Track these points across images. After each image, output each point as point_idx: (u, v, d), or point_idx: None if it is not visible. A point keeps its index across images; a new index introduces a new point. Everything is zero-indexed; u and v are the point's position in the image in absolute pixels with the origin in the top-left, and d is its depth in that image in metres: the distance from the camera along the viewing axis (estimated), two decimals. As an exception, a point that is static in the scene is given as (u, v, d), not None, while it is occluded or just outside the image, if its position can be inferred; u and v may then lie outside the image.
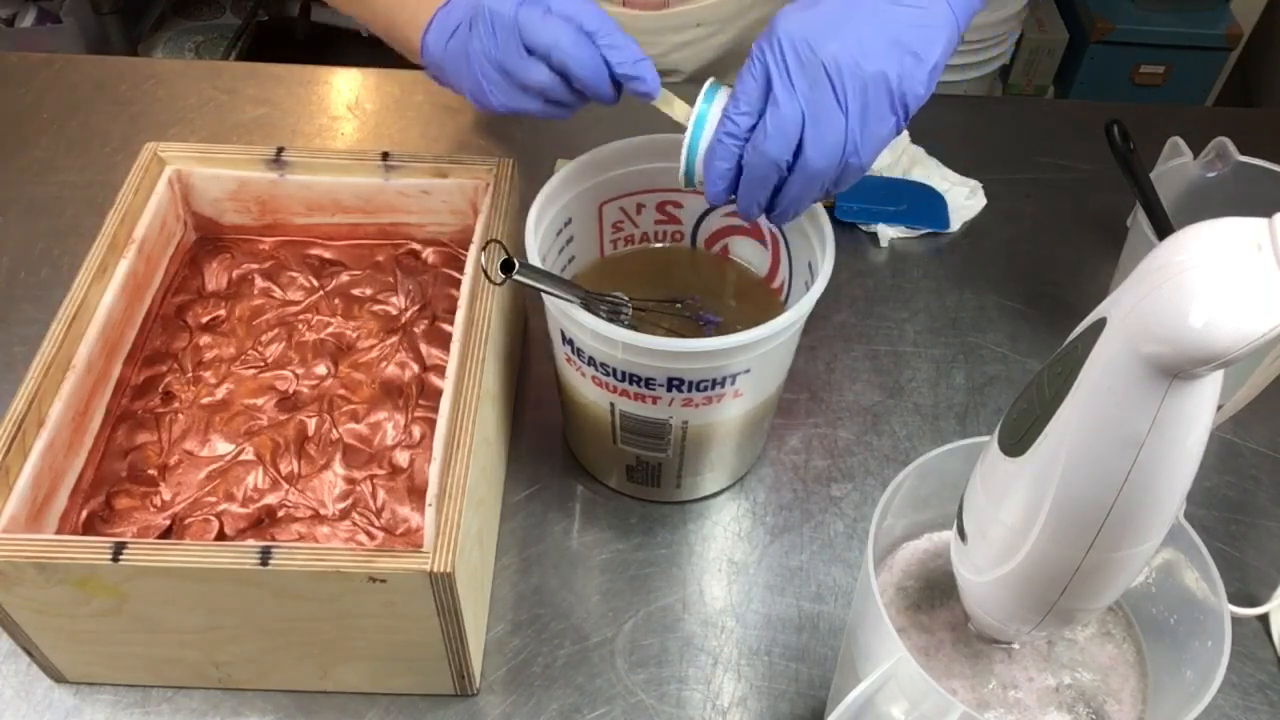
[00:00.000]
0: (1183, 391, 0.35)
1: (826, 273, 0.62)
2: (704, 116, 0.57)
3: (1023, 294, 0.87)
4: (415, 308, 0.74)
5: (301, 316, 0.74)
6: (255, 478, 0.65)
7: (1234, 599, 0.66)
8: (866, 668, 0.47)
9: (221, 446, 0.67)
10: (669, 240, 0.76)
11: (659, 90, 0.59)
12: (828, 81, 0.52)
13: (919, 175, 0.95)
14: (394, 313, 0.74)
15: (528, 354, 0.81)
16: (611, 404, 0.65)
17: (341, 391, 0.70)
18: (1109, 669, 0.51)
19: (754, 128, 0.54)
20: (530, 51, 0.58)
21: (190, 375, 0.70)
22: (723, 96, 0.57)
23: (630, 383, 0.62)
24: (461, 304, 0.65)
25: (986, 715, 0.49)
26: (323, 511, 0.64)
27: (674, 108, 0.60)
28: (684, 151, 0.58)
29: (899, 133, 0.55)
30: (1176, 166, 0.77)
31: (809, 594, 0.69)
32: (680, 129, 0.59)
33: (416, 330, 0.73)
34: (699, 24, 0.96)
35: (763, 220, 0.71)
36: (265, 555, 0.53)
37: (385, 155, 0.73)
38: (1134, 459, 0.37)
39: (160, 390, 0.69)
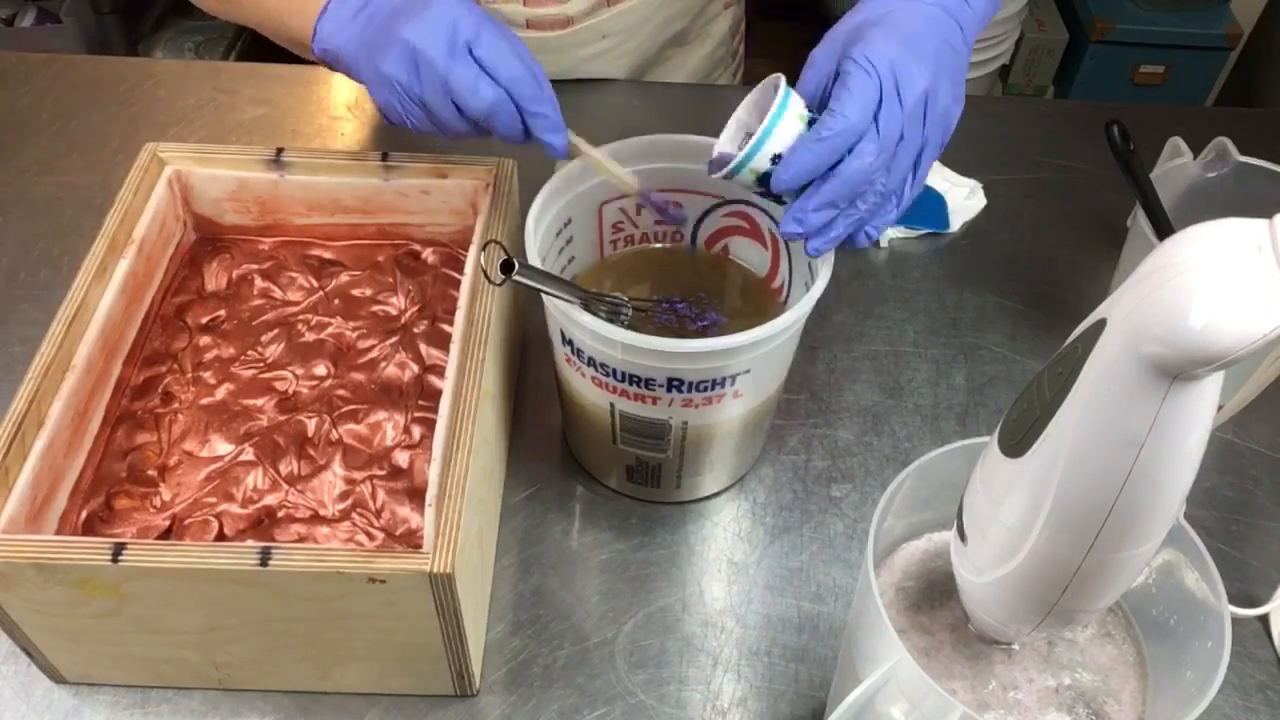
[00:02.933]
0: (1183, 392, 0.35)
1: (827, 273, 0.62)
2: (782, 113, 0.57)
3: (1023, 294, 0.87)
4: (415, 308, 0.74)
5: (301, 317, 0.74)
6: (255, 478, 0.65)
7: (1234, 599, 0.66)
8: (866, 668, 0.47)
9: (221, 447, 0.67)
10: (669, 240, 0.76)
11: (564, 153, 0.63)
12: (922, 115, 0.55)
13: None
14: (394, 313, 0.74)
15: (528, 354, 0.81)
16: (611, 404, 0.65)
17: (341, 392, 0.70)
18: (1109, 670, 0.51)
19: (856, 142, 0.55)
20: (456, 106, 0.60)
21: (190, 376, 0.70)
22: (797, 98, 0.58)
23: (630, 383, 0.62)
24: (461, 304, 0.65)
25: (986, 716, 0.49)
26: (322, 512, 0.64)
27: (604, 168, 0.65)
28: (752, 143, 0.57)
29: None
30: (1176, 166, 0.77)
31: (809, 594, 0.69)
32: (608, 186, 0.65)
33: (416, 330, 0.73)
34: (605, 36, 0.97)
35: (764, 222, 0.71)
36: (265, 556, 0.53)
37: (385, 155, 0.73)
38: (1134, 460, 0.37)
39: (160, 391, 0.69)
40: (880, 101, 0.54)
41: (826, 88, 0.58)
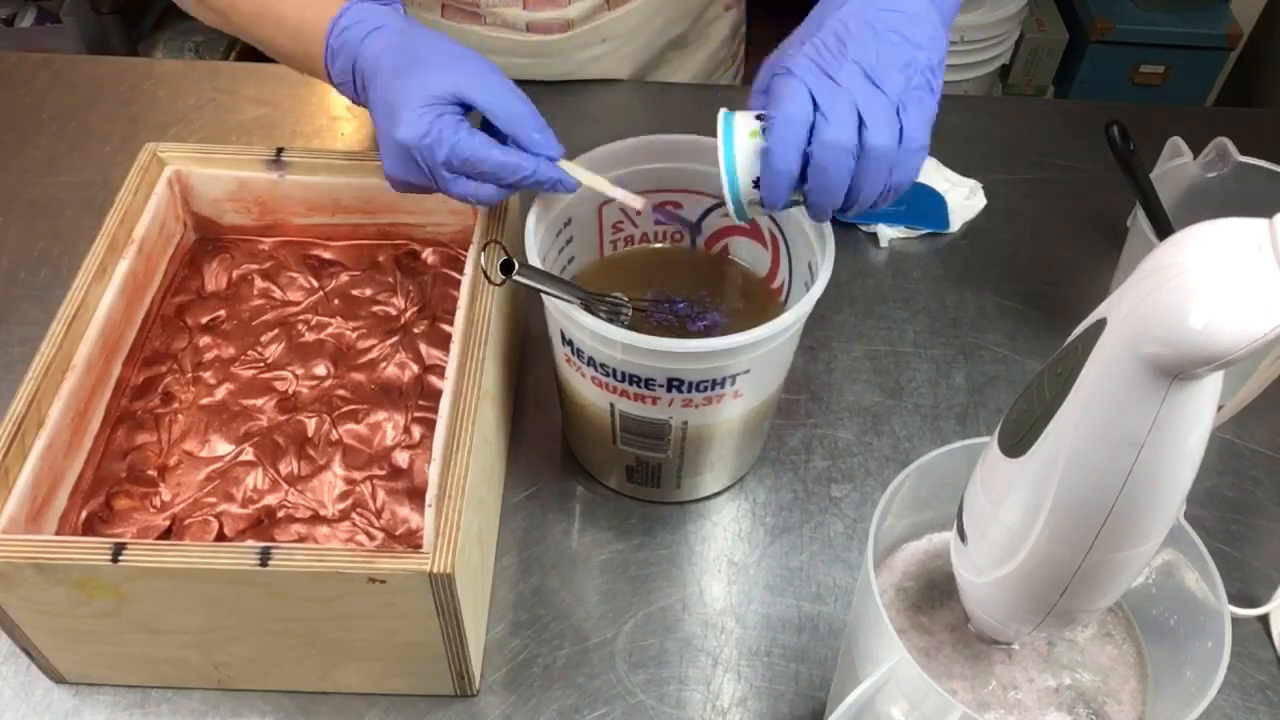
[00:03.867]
0: (1183, 392, 0.35)
1: (826, 273, 0.62)
2: (731, 138, 0.57)
3: (1023, 294, 0.87)
4: (415, 308, 0.74)
5: (301, 317, 0.74)
6: (255, 478, 0.65)
7: (1234, 599, 0.66)
8: (866, 668, 0.47)
9: (221, 447, 0.67)
10: (669, 240, 0.76)
11: (574, 189, 0.63)
12: (863, 73, 0.55)
13: (919, 175, 0.95)
14: (394, 313, 0.74)
15: (528, 354, 0.81)
16: (611, 404, 0.65)
17: (341, 392, 0.70)
18: (1109, 670, 0.51)
19: (811, 130, 0.55)
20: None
21: (190, 376, 0.70)
22: (741, 116, 0.58)
23: (630, 383, 0.62)
24: (461, 304, 0.65)
25: (986, 716, 0.49)
26: (322, 512, 0.64)
27: (595, 182, 0.64)
28: (725, 181, 0.58)
29: (935, 110, 0.57)
30: (1176, 166, 0.77)
31: (809, 594, 0.69)
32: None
33: (416, 331, 0.73)
34: (605, 39, 0.97)
35: (762, 220, 0.71)
36: (265, 556, 0.53)
37: (385, 155, 0.73)
38: (1134, 460, 0.37)
39: (160, 391, 0.69)
40: (810, 89, 0.55)
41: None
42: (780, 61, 0.57)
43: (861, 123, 0.54)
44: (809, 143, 0.55)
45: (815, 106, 0.55)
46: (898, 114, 0.55)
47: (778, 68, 0.57)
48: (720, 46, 1.07)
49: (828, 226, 0.64)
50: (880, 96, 0.55)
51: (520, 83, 0.62)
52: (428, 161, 0.60)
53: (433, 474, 0.57)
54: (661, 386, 0.62)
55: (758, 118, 0.57)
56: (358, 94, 0.64)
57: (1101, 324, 0.37)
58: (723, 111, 0.58)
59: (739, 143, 0.57)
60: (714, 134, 0.60)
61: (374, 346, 0.72)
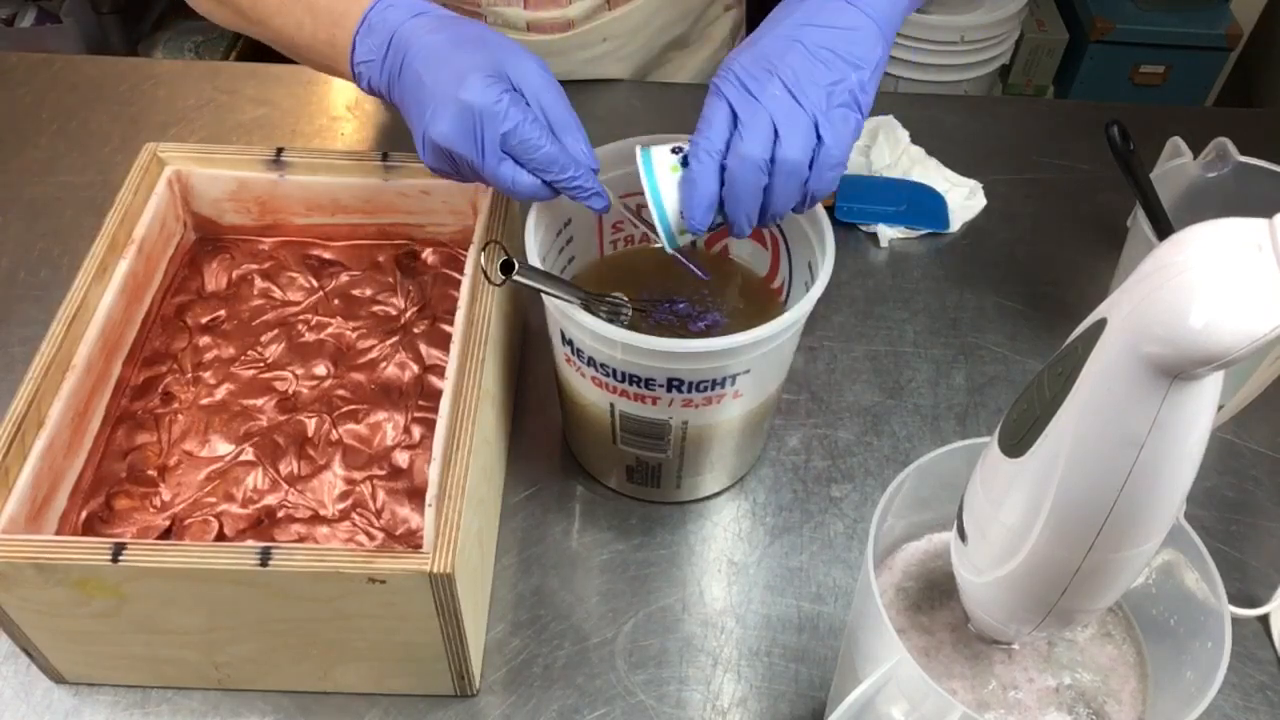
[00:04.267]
0: (1183, 392, 0.35)
1: (827, 273, 0.62)
2: (651, 171, 0.59)
3: (1023, 294, 0.87)
4: (415, 308, 0.74)
5: (301, 317, 0.74)
6: (255, 478, 0.65)
7: (1234, 599, 0.66)
8: (866, 668, 0.47)
9: (221, 447, 0.67)
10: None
11: (607, 210, 0.63)
12: (786, 90, 0.56)
13: (919, 175, 0.95)
14: (394, 313, 0.74)
15: (528, 354, 0.81)
16: (611, 404, 0.65)
17: (341, 392, 0.70)
18: (1109, 670, 0.51)
19: (727, 147, 0.57)
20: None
21: (190, 376, 0.70)
22: (658, 150, 0.60)
23: (630, 383, 0.62)
24: (461, 304, 0.65)
25: (987, 716, 0.49)
26: (322, 512, 0.64)
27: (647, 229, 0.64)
28: (654, 213, 0.59)
29: (860, 127, 0.58)
30: (1176, 166, 0.77)
31: (809, 594, 0.69)
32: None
33: (416, 331, 0.73)
34: (605, 39, 0.97)
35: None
36: (265, 556, 0.53)
37: (385, 155, 0.73)
38: (1134, 459, 0.37)
39: (160, 391, 0.69)
40: (732, 105, 0.57)
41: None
42: (714, 78, 0.59)
43: (777, 137, 0.56)
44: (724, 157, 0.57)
45: (735, 122, 0.56)
46: (816, 128, 0.56)
47: (711, 83, 0.58)
48: (720, 47, 1.07)
49: (828, 226, 0.64)
50: (799, 112, 0.56)
51: None
52: (487, 131, 0.58)
53: (433, 474, 0.57)
54: (661, 386, 0.62)
55: (674, 150, 0.59)
56: (382, 72, 0.62)
57: (1101, 324, 0.37)
58: (639, 149, 0.60)
59: (661, 178, 0.59)
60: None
61: (374, 346, 0.72)
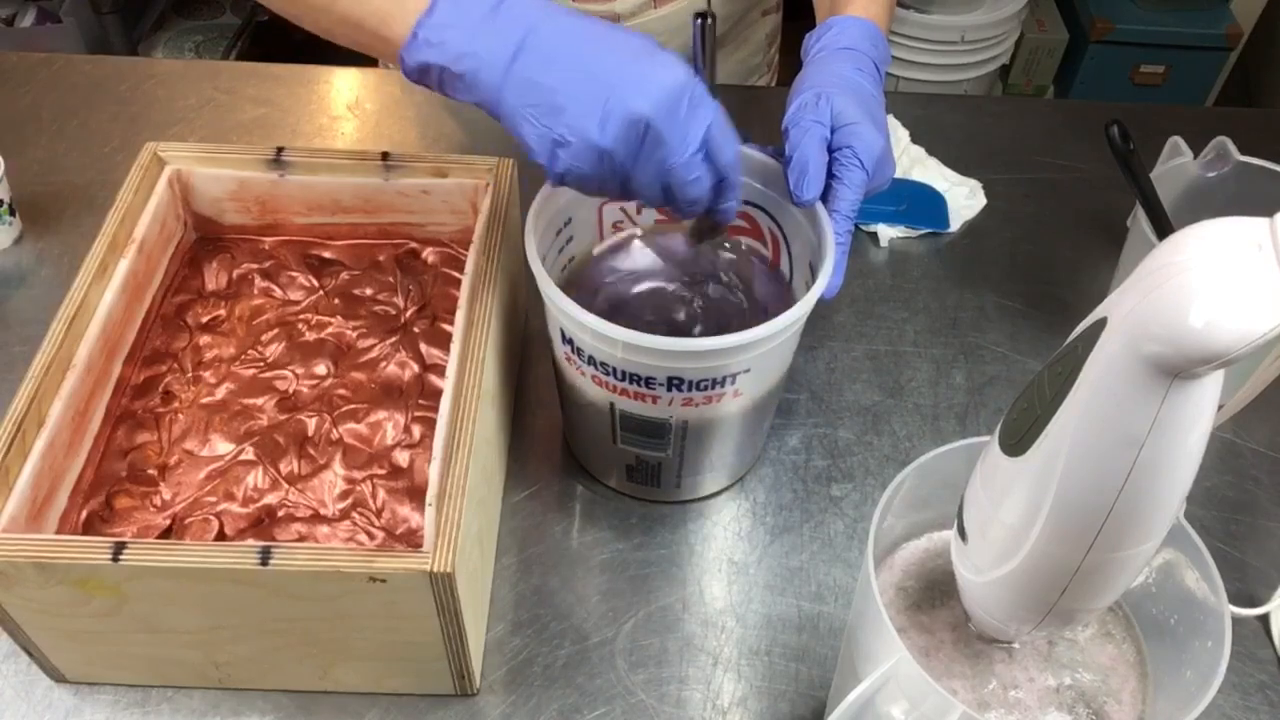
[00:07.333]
0: (1183, 391, 0.35)
1: (827, 273, 0.62)
2: None
3: (1023, 294, 0.87)
4: (415, 308, 0.74)
5: (301, 316, 0.74)
6: (255, 478, 0.65)
7: (1234, 599, 0.66)
8: (867, 668, 0.47)
9: (221, 446, 0.67)
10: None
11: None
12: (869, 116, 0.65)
13: (919, 175, 0.95)
14: (394, 313, 0.74)
15: (528, 354, 0.81)
16: (611, 404, 0.65)
17: (341, 391, 0.70)
18: (1109, 669, 0.51)
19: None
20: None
21: (190, 375, 0.70)
22: None
23: (630, 382, 0.62)
24: (461, 304, 0.65)
25: (987, 715, 0.49)
26: (323, 511, 0.64)
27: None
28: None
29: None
30: (1176, 166, 0.77)
31: (809, 594, 0.69)
32: None
33: (416, 330, 0.73)
34: (649, 37, 0.96)
35: (764, 221, 0.71)
36: (265, 555, 0.53)
37: (385, 155, 0.73)
38: (1134, 459, 0.37)
39: (160, 390, 0.69)
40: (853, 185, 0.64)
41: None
42: (809, 91, 0.65)
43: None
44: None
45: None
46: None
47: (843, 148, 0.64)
48: (756, 51, 1.07)
49: (828, 227, 0.64)
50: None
51: None
52: (687, 113, 0.51)
53: (433, 473, 0.57)
54: (661, 385, 0.62)
55: None
56: (474, 41, 0.52)
57: (1101, 323, 0.37)
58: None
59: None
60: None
61: (374, 346, 0.72)
